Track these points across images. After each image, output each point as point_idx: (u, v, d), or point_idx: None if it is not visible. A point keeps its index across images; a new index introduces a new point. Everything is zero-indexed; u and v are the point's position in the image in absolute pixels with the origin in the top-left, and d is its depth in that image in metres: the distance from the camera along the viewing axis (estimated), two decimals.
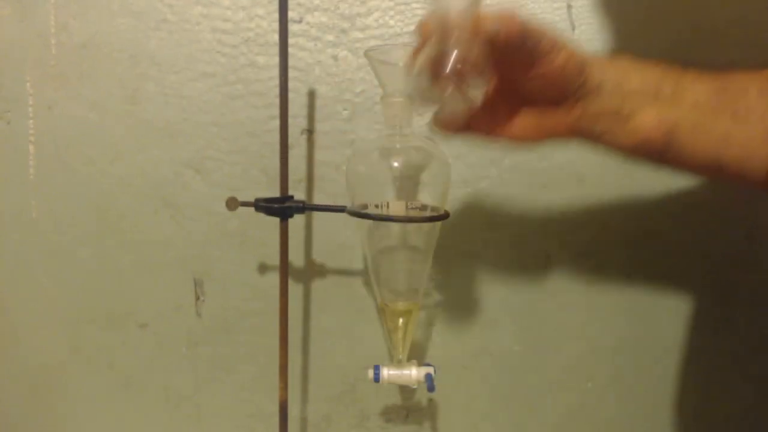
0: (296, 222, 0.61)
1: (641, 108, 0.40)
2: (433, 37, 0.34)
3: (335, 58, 0.60)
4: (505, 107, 0.41)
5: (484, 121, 0.41)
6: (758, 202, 0.61)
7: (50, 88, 0.61)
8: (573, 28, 0.59)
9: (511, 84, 0.40)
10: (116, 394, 0.65)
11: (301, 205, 0.52)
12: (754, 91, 0.41)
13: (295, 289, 0.62)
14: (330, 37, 0.59)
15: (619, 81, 0.40)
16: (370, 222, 0.51)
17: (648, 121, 0.40)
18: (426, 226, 0.52)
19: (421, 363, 0.54)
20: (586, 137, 0.41)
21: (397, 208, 0.50)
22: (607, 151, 0.43)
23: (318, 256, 0.62)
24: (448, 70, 0.33)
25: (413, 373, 0.52)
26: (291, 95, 0.58)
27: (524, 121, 0.41)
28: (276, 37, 0.51)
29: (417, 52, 0.37)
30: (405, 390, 0.64)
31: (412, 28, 0.58)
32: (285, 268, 0.53)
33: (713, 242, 0.61)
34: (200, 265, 0.63)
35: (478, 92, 0.36)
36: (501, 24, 0.35)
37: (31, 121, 0.62)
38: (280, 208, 0.52)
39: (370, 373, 0.52)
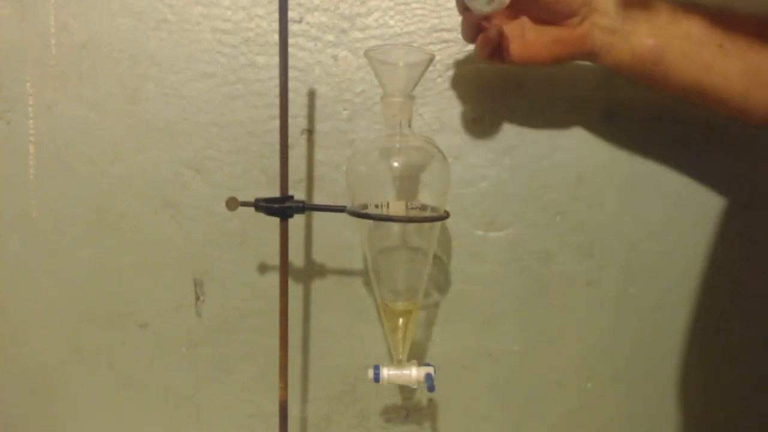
0: (296, 222, 0.61)
1: (639, 29, 0.48)
2: None
3: (335, 58, 0.60)
4: (528, 28, 0.50)
5: (515, 42, 0.50)
6: (759, 202, 0.61)
7: (50, 88, 0.61)
8: None
9: (528, 7, 0.49)
10: (116, 394, 0.65)
11: (301, 205, 0.52)
12: (741, 31, 0.48)
13: (295, 289, 0.62)
14: (330, 37, 0.59)
15: (623, 3, 0.47)
16: (370, 222, 0.51)
17: (644, 40, 0.48)
18: (426, 226, 0.52)
19: (421, 363, 0.54)
20: (589, 52, 0.50)
21: (397, 208, 0.50)
22: (604, 67, 0.51)
23: (318, 256, 0.62)
24: None
25: (413, 373, 0.52)
26: (291, 95, 0.58)
27: (540, 38, 0.50)
28: (276, 37, 0.51)
29: None
30: (405, 390, 0.64)
31: (412, 28, 0.58)
32: (285, 268, 0.53)
33: (713, 242, 0.61)
34: (200, 265, 0.63)
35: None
36: None
37: (31, 121, 0.62)
38: (280, 208, 0.52)
39: (370, 373, 0.52)
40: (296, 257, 0.62)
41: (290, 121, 0.56)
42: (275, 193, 0.53)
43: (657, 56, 0.48)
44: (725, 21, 0.49)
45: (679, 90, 0.51)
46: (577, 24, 0.48)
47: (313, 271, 0.62)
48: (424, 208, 0.51)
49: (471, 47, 0.58)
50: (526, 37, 0.50)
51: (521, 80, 0.59)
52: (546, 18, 0.49)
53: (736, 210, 0.61)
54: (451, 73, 0.59)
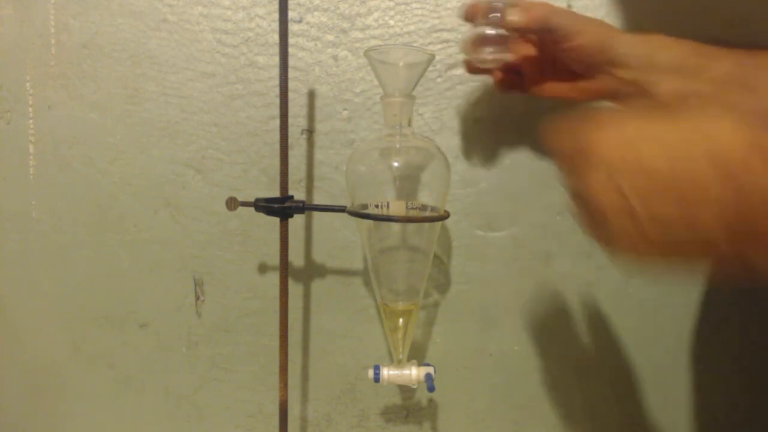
0: (296, 222, 0.61)
1: (664, 79, 0.45)
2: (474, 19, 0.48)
3: (335, 58, 0.60)
4: (550, 70, 0.51)
5: (533, 79, 0.52)
6: None
7: (50, 88, 0.61)
8: None
9: (551, 54, 0.49)
10: (116, 394, 0.65)
11: (301, 205, 0.52)
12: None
13: (295, 289, 0.62)
14: (330, 37, 0.59)
15: (648, 55, 0.45)
16: (370, 222, 0.51)
17: (667, 89, 0.45)
18: (426, 226, 0.52)
19: (421, 363, 0.54)
20: (609, 98, 0.48)
21: (397, 208, 0.50)
22: None
23: (318, 256, 0.62)
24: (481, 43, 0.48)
25: (413, 373, 0.52)
26: (291, 95, 0.59)
27: (563, 81, 0.51)
28: (276, 37, 0.51)
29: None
30: (405, 390, 0.64)
31: (412, 28, 0.58)
32: (285, 268, 0.53)
33: None
34: (200, 265, 0.63)
35: (505, 55, 0.48)
36: (522, 15, 0.46)
37: (31, 121, 0.62)
38: (280, 208, 0.52)
39: (370, 373, 0.52)
40: (296, 257, 0.62)
41: (290, 121, 0.56)
42: (275, 193, 0.53)
43: (680, 101, 0.45)
44: (753, 56, 0.45)
45: None
46: (596, 76, 0.47)
47: (313, 271, 0.62)
48: (424, 208, 0.51)
49: None
50: (545, 78, 0.51)
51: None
52: (569, 67, 0.49)
53: None
54: (451, 73, 0.59)
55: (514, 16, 0.46)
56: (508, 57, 0.48)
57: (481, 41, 0.47)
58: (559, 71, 0.50)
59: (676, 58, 0.45)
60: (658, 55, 0.45)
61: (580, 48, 0.46)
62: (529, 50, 0.51)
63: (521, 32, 0.48)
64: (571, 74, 0.49)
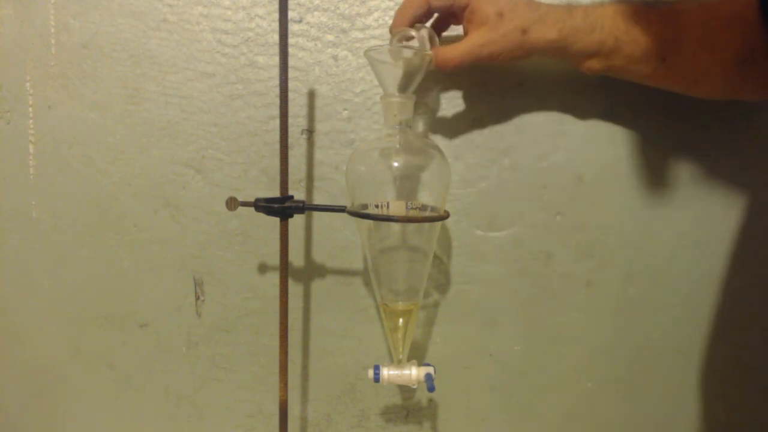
0: (296, 222, 0.61)
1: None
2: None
3: (335, 58, 0.60)
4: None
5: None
6: (759, 202, 0.61)
7: (50, 88, 0.61)
8: None
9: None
10: (116, 394, 0.65)
11: (301, 205, 0.52)
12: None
13: (295, 289, 0.62)
14: (330, 37, 0.59)
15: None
16: (370, 222, 0.51)
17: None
18: (426, 226, 0.52)
19: (421, 363, 0.54)
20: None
21: (397, 208, 0.50)
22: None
23: (318, 256, 0.62)
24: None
25: (413, 373, 0.52)
26: (291, 95, 0.59)
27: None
28: (276, 37, 0.51)
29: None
30: (405, 390, 0.64)
31: None
32: (285, 268, 0.53)
33: (714, 242, 0.61)
34: (200, 265, 0.63)
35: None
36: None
37: (31, 121, 0.62)
38: (280, 208, 0.52)
39: (370, 373, 0.52)
40: (296, 257, 0.62)
41: (290, 121, 0.56)
42: (275, 193, 0.53)
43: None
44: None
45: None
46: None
47: (313, 271, 0.62)
48: (424, 208, 0.51)
49: None
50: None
51: (521, 80, 0.59)
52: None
53: (737, 210, 0.61)
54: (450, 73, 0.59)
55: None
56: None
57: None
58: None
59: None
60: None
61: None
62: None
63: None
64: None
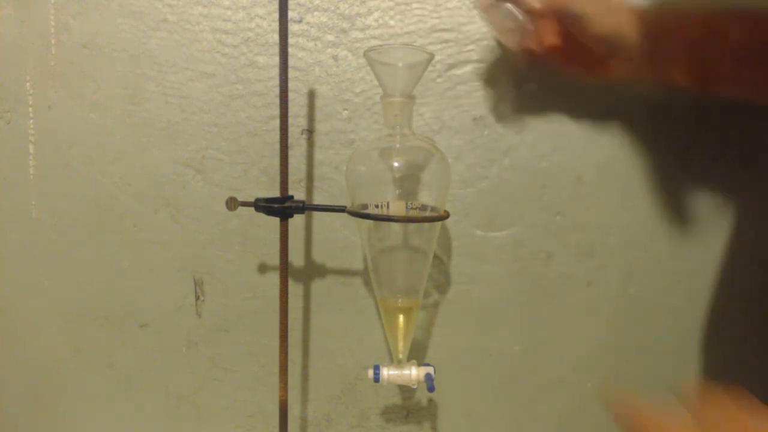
0: (296, 222, 0.61)
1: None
2: None
3: (335, 58, 0.60)
4: (574, 51, 0.52)
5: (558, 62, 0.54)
6: (759, 202, 0.61)
7: (50, 88, 0.61)
8: None
9: (573, 38, 0.51)
10: (116, 394, 0.65)
11: (301, 205, 0.52)
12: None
13: (295, 289, 0.62)
14: (330, 37, 0.59)
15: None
16: (370, 222, 0.51)
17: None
18: (426, 226, 0.52)
19: (421, 363, 0.54)
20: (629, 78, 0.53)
21: (397, 208, 0.50)
22: None
23: (318, 256, 0.62)
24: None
25: (413, 373, 0.52)
26: (291, 95, 0.59)
27: (586, 60, 0.53)
28: (276, 37, 0.51)
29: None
30: (405, 390, 0.64)
31: (412, 28, 0.58)
32: (285, 268, 0.53)
33: (714, 242, 0.61)
34: (200, 265, 0.63)
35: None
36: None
37: (31, 121, 0.62)
38: (280, 208, 0.52)
39: (370, 373, 0.52)
40: (296, 257, 0.62)
41: (290, 121, 0.56)
42: (275, 193, 0.53)
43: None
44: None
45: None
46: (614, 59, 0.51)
47: (313, 271, 0.62)
48: (424, 208, 0.51)
49: (471, 47, 0.58)
50: (570, 60, 0.53)
51: (521, 80, 0.59)
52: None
53: (736, 210, 0.61)
54: (451, 73, 0.59)
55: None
56: (521, 20, 0.50)
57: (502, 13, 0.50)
58: (583, 52, 0.51)
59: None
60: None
61: (595, 36, 0.48)
62: (551, 39, 0.52)
63: (539, 15, 0.50)
64: (593, 55, 0.51)
